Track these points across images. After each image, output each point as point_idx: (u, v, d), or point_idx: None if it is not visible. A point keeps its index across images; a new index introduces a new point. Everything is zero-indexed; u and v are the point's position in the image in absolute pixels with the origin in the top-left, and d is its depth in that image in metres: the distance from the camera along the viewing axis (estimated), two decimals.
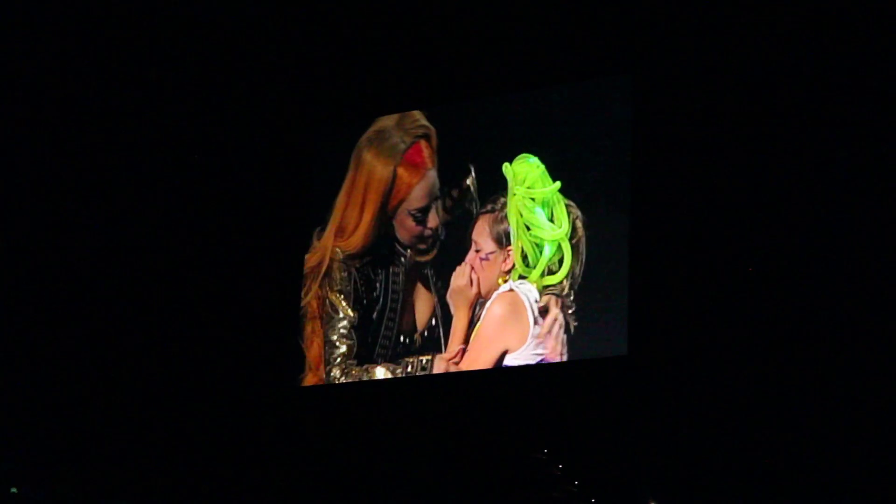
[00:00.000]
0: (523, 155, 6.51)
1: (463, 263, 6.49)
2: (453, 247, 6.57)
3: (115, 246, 7.17)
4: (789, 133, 6.02)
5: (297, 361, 6.81)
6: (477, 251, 6.46)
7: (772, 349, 5.89)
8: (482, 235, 6.47)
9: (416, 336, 6.58)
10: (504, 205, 6.44)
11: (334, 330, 6.76)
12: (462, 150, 6.66)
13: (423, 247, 6.66)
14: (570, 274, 6.29)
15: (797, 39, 6.05)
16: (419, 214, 6.67)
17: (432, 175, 6.66)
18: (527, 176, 6.47)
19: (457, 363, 6.44)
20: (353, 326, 6.74)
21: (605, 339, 6.18)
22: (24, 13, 6.91)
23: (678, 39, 6.24)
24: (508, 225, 6.43)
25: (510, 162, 6.48)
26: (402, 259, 6.69)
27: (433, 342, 6.54)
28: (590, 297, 6.26)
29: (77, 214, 7.12)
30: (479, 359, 6.41)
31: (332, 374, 6.71)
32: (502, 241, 6.42)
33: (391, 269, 6.72)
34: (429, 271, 6.62)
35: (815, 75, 6.00)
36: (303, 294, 6.88)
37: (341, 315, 6.76)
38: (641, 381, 6.09)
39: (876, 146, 5.88)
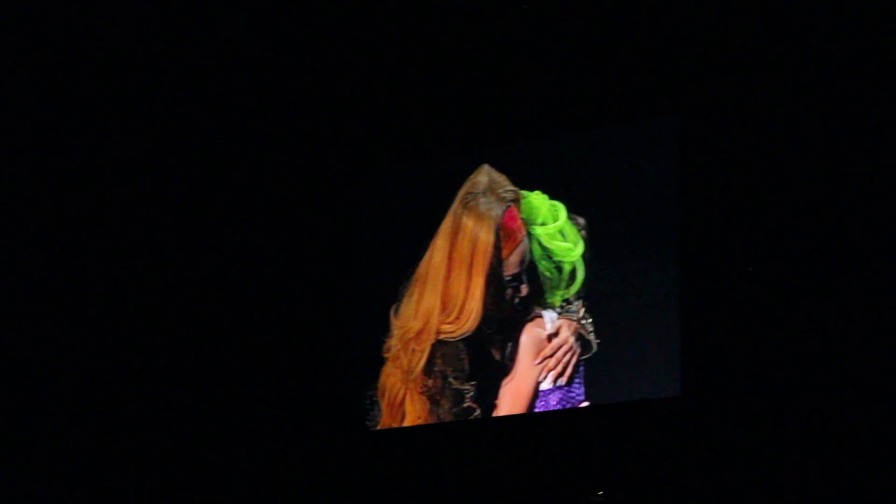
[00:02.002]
0: (524, 192, 6.53)
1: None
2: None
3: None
4: (847, 169, 5.84)
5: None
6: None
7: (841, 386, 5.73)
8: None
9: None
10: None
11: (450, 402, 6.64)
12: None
13: (507, 314, 6.51)
14: (584, 285, 6.35)
15: (853, 72, 5.87)
16: (514, 283, 6.50)
17: (526, 242, 6.52)
18: (539, 212, 6.51)
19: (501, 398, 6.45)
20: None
21: (656, 378, 6.09)
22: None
23: (727, 75, 6.11)
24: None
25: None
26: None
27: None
28: (639, 335, 6.19)
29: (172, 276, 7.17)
30: (520, 387, 6.41)
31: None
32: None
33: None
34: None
35: (875, 109, 5.83)
36: (383, 378, 6.73)
37: (455, 389, 6.61)
38: (697, 423, 5.96)
39: None
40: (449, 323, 6.64)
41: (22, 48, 6.94)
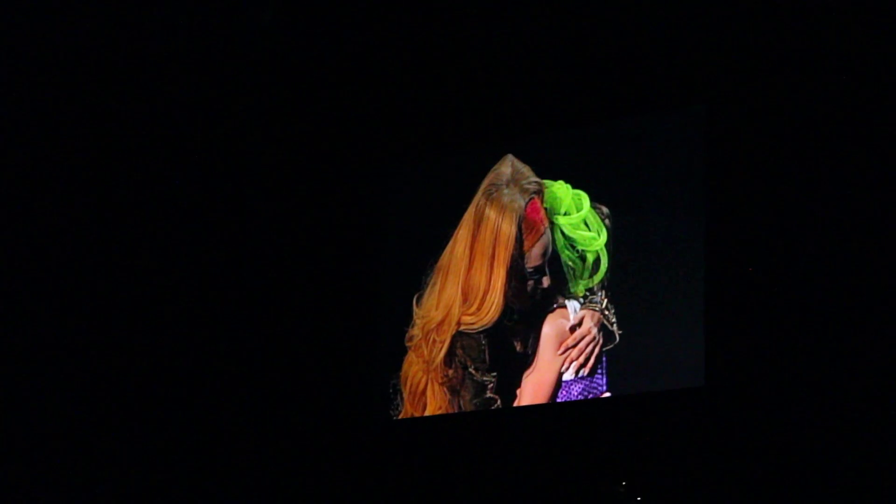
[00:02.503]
0: (547, 182, 6.52)
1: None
2: None
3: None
4: (873, 163, 5.81)
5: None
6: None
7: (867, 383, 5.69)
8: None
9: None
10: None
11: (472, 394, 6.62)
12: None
13: (529, 305, 6.51)
14: (607, 274, 6.33)
15: (879, 65, 5.85)
16: (536, 275, 6.50)
17: (549, 234, 6.50)
18: (562, 202, 6.50)
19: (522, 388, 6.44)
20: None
21: (680, 369, 6.06)
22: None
23: (754, 67, 6.09)
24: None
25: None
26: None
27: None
28: (662, 325, 6.16)
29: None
30: (542, 378, 6.39)
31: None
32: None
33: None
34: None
35: None
36: (406, 366, 6.75)
37: (477, 381, 6.61)
38: (720, 414, 5.93)
39: None
40: (470, 314, 6.64)
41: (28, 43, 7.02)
